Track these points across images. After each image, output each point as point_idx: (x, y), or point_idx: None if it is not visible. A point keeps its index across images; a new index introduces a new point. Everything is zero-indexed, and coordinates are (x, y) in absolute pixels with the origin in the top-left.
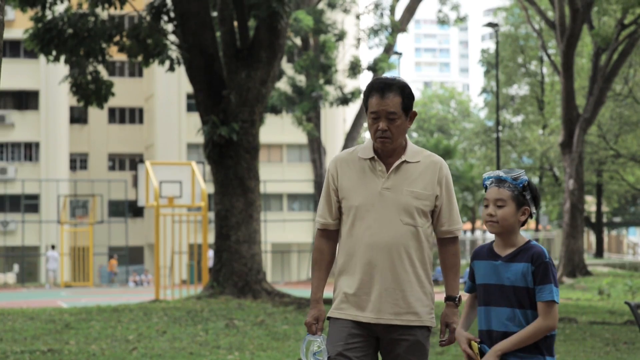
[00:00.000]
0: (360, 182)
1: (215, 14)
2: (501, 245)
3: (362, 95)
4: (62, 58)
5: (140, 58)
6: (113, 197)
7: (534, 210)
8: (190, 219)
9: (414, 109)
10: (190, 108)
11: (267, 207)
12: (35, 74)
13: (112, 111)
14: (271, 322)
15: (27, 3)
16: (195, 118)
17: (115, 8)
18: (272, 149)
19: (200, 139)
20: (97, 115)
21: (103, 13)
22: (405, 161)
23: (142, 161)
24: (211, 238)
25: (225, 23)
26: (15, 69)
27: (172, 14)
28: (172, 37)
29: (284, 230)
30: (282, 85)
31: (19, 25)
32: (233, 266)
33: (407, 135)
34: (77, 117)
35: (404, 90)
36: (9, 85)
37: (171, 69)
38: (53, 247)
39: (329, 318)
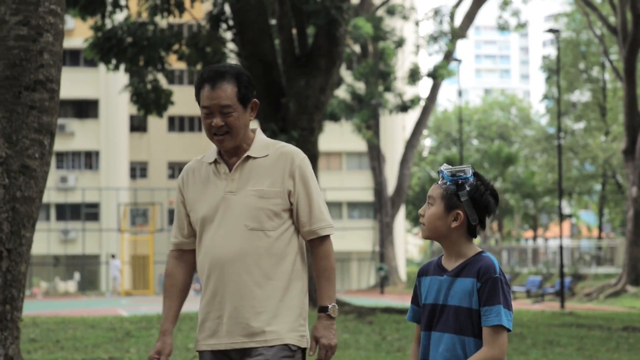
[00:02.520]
0: (205, 190)
1: (273, 22)
2: (447, 257)
3: (421, 103)
4: (122, 67)
5: (199, 66)
6: (173, 205)
7: (475, 217)
8: None
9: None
10: None
11: None
12: (95, 82)
13: (171, 119)
14: None
15: (86, 12)
16: (254, 126)
17: (175, 16)
18: (332, 157)
19: None
20: (156, 123)
21: (162, 22)
22: (249, 157)
23: None
24: None
25: (284, 31)
26: (75, 78)
27: (230, 22)
28: (231, 45)
29: (343, 239)
30: (341, 92)
31: (79, 34)
32: None
33: (258, 128)
34: (137, 125)
35: (239, 79)
36: (69, 94)
37: None
38: (113, 256)
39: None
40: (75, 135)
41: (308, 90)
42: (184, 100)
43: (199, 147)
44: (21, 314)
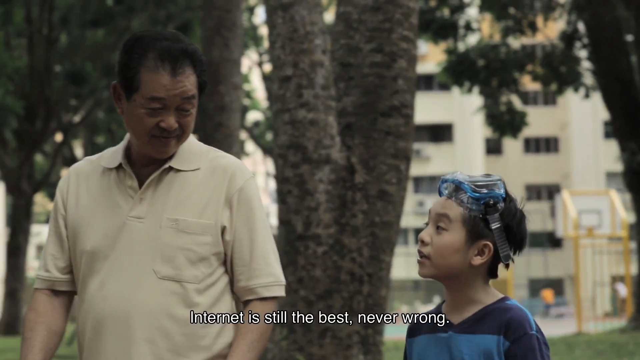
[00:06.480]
0: (98, 208)
1: (629, 38)
2: (452, 305)
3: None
4: (475, 89)
5: (554, 86)
6: (531, 227)
7: (507, 253)
8: (611, 249)
9: None
10: (607, 135)
11: None
12: (449, 106)
13: (526, 141)
14: None
15: (439, 36)
16: (613, 145)
17: (527, 37)
18: None
19: (619, 166)
20: (512, 145)
21: (515, 43)
22: (171, 169)
23: (559, 191)
24: (634, 269)
25: None
26: (430, 102)
27: (585, 41)
28: (585, 64)
29: None
30: None
31: (432, 58)
32: None
33: None
34: (492, 147)
35: (198, 58)
36: (424, 118)
37: (586, 96)
38: None
39: None
40: (431, 160)
41: None
42: (540, 121)
43: (556, 169)
44: (383, 337)
